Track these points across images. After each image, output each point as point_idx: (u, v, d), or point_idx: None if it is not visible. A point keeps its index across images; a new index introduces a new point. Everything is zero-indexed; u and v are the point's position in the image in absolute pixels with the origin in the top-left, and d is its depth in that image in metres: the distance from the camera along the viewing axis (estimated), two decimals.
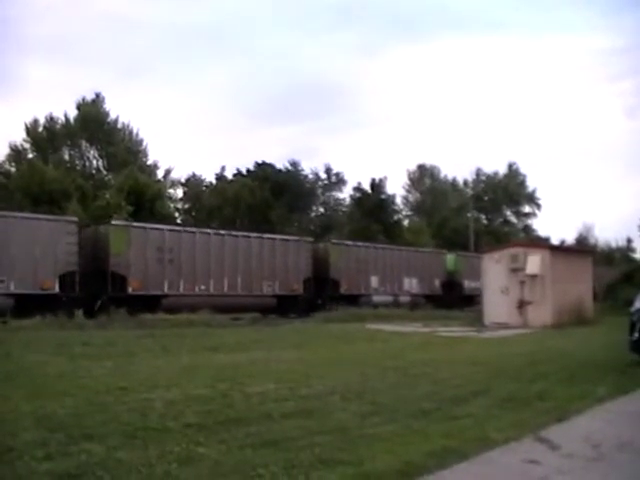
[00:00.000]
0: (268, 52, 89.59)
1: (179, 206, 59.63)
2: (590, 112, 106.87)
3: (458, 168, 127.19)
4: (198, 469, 4.39)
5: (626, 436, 5.66)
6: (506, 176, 76.23)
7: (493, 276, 23.78)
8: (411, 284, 35.39)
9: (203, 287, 26.04)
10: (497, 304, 23.18)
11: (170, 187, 57.22)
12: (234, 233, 28.37)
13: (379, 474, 4.30)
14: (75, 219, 24.34)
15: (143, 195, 40.27)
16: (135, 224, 25.33)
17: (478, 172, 76.59)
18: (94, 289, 23.34)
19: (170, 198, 55.50)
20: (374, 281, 33.21)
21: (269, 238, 29.51)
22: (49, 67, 79.79)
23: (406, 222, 68.53)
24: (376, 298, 32.38)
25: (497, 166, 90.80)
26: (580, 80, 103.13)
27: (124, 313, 21.28)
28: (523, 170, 76.57)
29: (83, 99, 52.13)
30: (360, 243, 34.49)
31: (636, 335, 10.00)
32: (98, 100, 52.71)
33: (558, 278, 22.56)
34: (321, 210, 67.99)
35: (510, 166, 76.36)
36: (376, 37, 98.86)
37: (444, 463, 4.62)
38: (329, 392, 7.57)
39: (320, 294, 30.05)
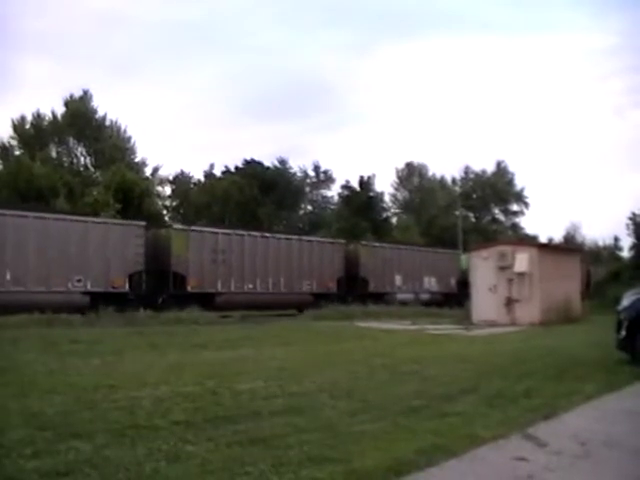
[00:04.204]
0: (257, 49, 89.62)
1: (167, 203, 59.59)
2: (579, 111, 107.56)
3: (446, 166, 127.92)
4: (186, 467, 4.37)
5: (613, 433, 5.69)
6: (494, 174, 76.49)
7: (481, 274, 23.82)
8: (430, 282, 36.88)
9: (251, 286, 27.79)
10: (485, 302, 23.24)
11: (158, 184, 57.15)
12: (277, 236, 30.45)
13: (368, 472, 4.31)
14: (143, 223, 25.83)
15: (131, 192, 40.14)
16: (193, 228, 27.11)
17: (466, 170, 77.00)
18: (157, 287, 25.06)
19: (158, 195, 55.45)
20: (398, 280, 34.73)
21: (308, 240, 31.85)
22: (37, 64, 79.38)
23: (394, 220, 68.73)
24: (400, 296, 33.77)
25: (485, 164, 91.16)
26: (570, 79, 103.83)
27: (111, 310, 21.27)
28: (511, 168, 77.00)
29: (71, 96, 51.98)
30: (386, 244, 36.40)
31: (623, 333, 10.05)
32: (86, 97, 52.52)
33: (546, 276, 22.63)
34: (309, 208, 68.07)
35: (498, 164, 76.72)
36: (366, 35, 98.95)
37: (433, 460, 4.63)
38: (318, 390, 7.57)
39: (351, 292, 31.37)
